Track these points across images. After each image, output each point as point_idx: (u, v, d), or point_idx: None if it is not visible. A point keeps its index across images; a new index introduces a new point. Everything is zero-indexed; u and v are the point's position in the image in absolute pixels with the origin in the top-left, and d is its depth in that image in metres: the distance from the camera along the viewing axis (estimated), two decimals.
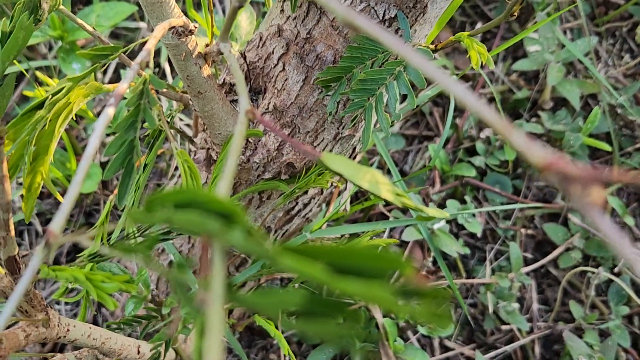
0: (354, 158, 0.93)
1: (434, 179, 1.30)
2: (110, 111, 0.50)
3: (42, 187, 1.31)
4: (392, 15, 0.71)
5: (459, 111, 1.44)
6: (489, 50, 1.53)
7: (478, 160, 1.30)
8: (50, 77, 1.29)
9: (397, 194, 0.52)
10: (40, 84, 1.24)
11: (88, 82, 0.63)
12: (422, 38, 0.78)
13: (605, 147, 1.26)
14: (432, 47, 0.75)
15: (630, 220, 1.33)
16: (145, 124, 0.56)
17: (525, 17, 1.58)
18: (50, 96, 0.56)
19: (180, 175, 1.00)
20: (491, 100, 1.45)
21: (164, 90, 0.81)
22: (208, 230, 0.30)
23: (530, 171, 1.37)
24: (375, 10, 0.71)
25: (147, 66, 0.55)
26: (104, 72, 1.38)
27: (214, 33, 0.85)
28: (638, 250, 1.27)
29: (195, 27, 0.65)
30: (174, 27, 0.71)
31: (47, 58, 1.32)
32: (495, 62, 1.52)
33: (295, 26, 0.77)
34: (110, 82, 1.37)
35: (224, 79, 0.87)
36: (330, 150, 0.85)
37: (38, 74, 1.02)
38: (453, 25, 1.57)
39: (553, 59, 1.33)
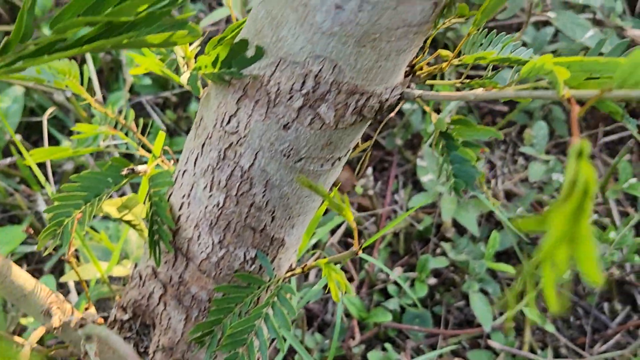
0: None
1: (353, 329, 1.32)
2: None
3: None
4: (253, 256, 0.74)
5: (369, 251, 1.48)
6: (386, 180, 1.58)
7: (392, 304, 1.33)
8: None
9: None
10: None
11: None
12: (291, 255, 0.82)
13: (509, 269, 1.31)
14: (300, 270, 0.78)
15: (550, 327, 1.37)
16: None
17: (418, 142, 1.66)
18: None
19: None
20: (397, 234, 1.50)
21: (57, 350, 0.82)
22: None
23: (446, 298, 1.41)
24: (236, 254, 0.74)
25: None
26: (28, 264, 1.37)
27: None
28: None
29: (59, 323, 0.67)
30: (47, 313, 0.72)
31: None
32: (396, 190, 1.58)
33: (168, 270, 0.79)
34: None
35: (115, 316, 0.89)
36: None
37: None
38: (350, 162, 1.63)
39: (445, 190, 1.39)
